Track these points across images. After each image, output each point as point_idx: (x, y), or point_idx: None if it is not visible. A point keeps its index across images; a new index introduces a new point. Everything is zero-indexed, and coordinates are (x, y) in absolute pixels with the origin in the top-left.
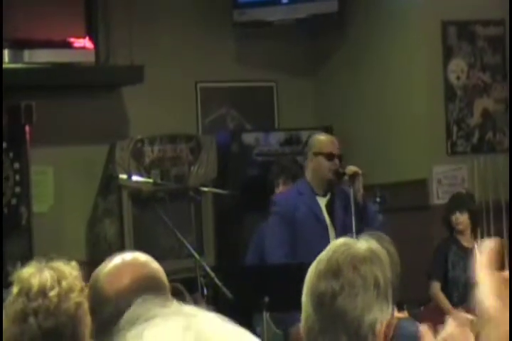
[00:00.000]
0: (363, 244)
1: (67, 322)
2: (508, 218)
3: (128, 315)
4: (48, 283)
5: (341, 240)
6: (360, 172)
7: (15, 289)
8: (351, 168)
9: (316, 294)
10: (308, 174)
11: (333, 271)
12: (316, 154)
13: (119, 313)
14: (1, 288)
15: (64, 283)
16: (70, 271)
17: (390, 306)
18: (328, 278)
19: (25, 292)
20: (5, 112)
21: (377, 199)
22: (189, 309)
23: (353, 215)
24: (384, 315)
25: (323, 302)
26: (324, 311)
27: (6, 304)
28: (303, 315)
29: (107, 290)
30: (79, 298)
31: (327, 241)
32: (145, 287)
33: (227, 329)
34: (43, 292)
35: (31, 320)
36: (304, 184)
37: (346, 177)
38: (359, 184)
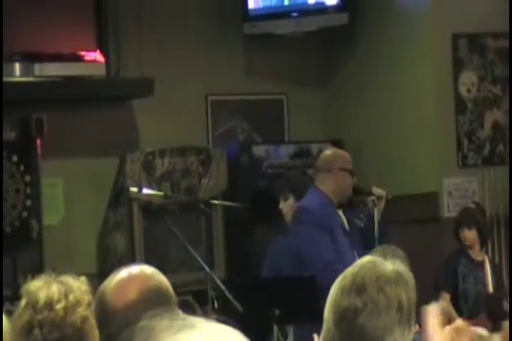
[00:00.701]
0: (390, 264)
1: (73, 335)
2: None
3: (138, 328)
4: (55, 296)
5: (369, 258)
6: (385, 195)
7: (23, 302)
8: (379, 191)
9: (339, 309)
10: (329, 187)
11: (358, 287)
12: (342, 169)
13: (128, 326)
14: (1, 294)
15: (71, 297)
16: (79, 285)
17: (412, 329)
18: (352, 294)
19: (32, 304)
20: (16, 125)
21: (366, 212)
22: (200, 321)
23: (376, 234)
24: (405, 338)
25: (345, 317)
26: (345, 326)
27: (14, 316)
28: (324, 328)
29: (115, 303)
30: (86, 311)
31: (353, 255)
32: (152, 299)
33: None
34: (49, 305)
35: (36, 331)
36: (322, 196)
37: (373, 198)
38: (382, 205)
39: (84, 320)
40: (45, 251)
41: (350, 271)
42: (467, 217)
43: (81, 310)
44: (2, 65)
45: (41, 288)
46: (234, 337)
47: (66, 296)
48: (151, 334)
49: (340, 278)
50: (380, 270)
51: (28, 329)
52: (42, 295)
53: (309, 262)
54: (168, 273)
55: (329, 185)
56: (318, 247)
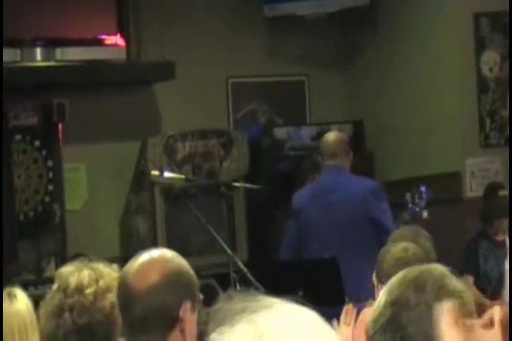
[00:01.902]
0: (453, 279)
1: (102, 321)
2: None
3: (213, 311)
4: (86, 282)
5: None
6: None
7: (54, 286)
8: None
9: (391, 297)
10: (348, 169)
11: (417, 282)
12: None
13: (152, 309)
14: (1, 287)
15: (101, 283)
16: (110, 271)
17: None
18: (412, 288)
19: (63, 289)
20: (37, 110)
21: (424, 195)
22: (277, 302)
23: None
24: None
25: (395, 309)
26: (390, 316)
27: (45, 299)
28: (374, 309)
29: (137, 287)
30: (116, 297)
31: None
32: (174, 282)
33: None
34: (79, 289)
35: (66, 315)
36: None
37: None
38: None
39: (114, 305)
40: (67, 235)
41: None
42: (507, 208)
43: (111, 296)
44: (2, 53)
45: (72, 273)
46: (311, 318)
47: (97, 282)
48: (227, 316)
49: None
50: (445, 279)
51: (58, 312)
52: (73, 280)
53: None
54: (190, 257)
55: (348, 168)
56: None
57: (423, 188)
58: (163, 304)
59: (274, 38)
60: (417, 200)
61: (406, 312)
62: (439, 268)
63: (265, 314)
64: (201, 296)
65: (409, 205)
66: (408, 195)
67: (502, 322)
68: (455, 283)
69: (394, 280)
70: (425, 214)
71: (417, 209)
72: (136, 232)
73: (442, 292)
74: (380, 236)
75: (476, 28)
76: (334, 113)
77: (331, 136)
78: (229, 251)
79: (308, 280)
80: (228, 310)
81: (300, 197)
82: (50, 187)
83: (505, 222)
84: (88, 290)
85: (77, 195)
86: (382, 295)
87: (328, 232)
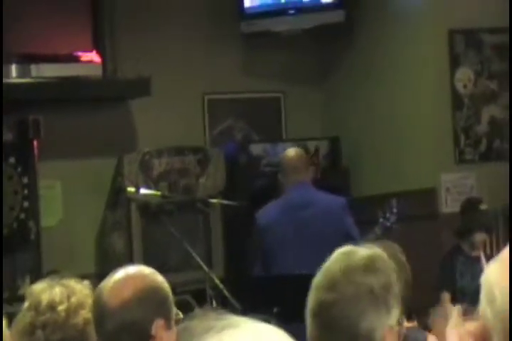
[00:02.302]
0: (362, 251)
1: (75, 337)
2: None
3: (183, 328)
4: (57, 298)
5: (343, 249)
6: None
7: (26, 303)
8: None
9: (313, 304)
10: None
11: (328, 283)
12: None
13: (124, 325)
14: (1, 295)
15: (73, 299)
16: (82, 288)
17: (393, 311)
18: (324, 289)
19: (35, 306)
20: (12, 127)
21: (394, 210)
22: (240, 320)
23: None
24: (383, 320)
25: (318, 313)
26: (319, 321)
27: (17, 318)
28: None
29: (110, 302)
30: (88, 314)
31: None
32: (148, 299)
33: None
34: (51, 306)
35: (39, 332)
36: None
37: None
38: None
39: (87, 322)
40: (43, 252)
41: (323, 265)
42: (486, 222)
43: (84, 313)
44: (2, 66)
45: (44, 290)
46: (279, 336)
47: (69, 298)
48: (194, 336)
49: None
50: (349, 261)
51: (30, 330)
52: (44, 297)
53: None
54: (167, 273)
55: (310, 182)
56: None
57: (394, 203)
58: (135, 320)
59: (251, 54)
60: (388, 215)
61: (330, 311)
62: (341, 253)
63: (232, 333)
64: (180, 315)
65: (380, 220)
66: (379, 210)
67: (476, 335)
68: (359, 254)
69: (310, 289)
70: (396, 228)
71: (388, 224)
72: (113, 249)
73: (350, 271)
74: None
75: (450, 44)
76: (310, 129)
77: (292, 152)
78: (205, 267)
79: (284, 296)
80: (195, 329)
81: (268, 213)
82: (26, 204)
83: (485, 236)
84: (60, 307)
85: (52, 211)
86: (307, 307)
87: (301, 248)
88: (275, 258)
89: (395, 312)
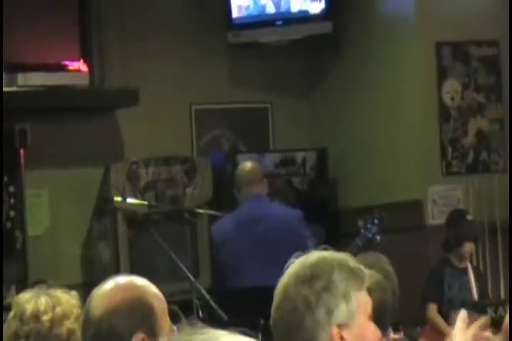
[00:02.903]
0: (304, 260)
1: None
2: (502, 238)
3: None
4: (42, 308)
5: (292, 262)
6: None
7: (11, 313)
8: None
9: (272, 326)
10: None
11: (274, 300)
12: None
13: (100, 334)
14: (1, 297)
15: (58, 309)
16: (68, 298)
17: (339, 308)
18: (274, 309)
19: (20, 315)
20: None
21: (375, 221)
22: (218, 334)
23: None
24: (325, 323)
25: (275, 333)
26: (279, 332)
27: (4, 327)
28: None
29: (94, 311)
30: (73, 325)
31: None
32: (130, 310)
33: None
34: (36, 316)
35: None
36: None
37: None
38: None
39: (71, 332)
40: (29, 261)
41: None
42: (474, 231)
43: (68, 323)
44: (2, 72)
45: (30, 299)
46: None
47: (53, 308)
48: None
49: None
50: (287, 275)
51: (14, 340)
52: (29, 307)
53: None
54: (153, 283)
55: (265, 194)
56: None
57: (376, 214)
58: (113, 331)
59: (238, 64)
60: (369, 226)
61: (279, 324)
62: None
63: None
64: (174, 327)
65: (362, 231)
66: (360, 221)
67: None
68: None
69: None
70: (377, 239)
71: (370, 235)
72: (99, 259)
73: (284, 285)
74: None
75: (438, 57)
76: (298, 140)
77: (246, 165)
78: (192, 277)
79: (271, 307)
80: None
81: (222, 228)
82: (12, 213)
83: (473, 246)
84: (44, 317)
85: (39, 220)
86: None
87: (256, 262)
88: (231, 273)
89: (342, 309)
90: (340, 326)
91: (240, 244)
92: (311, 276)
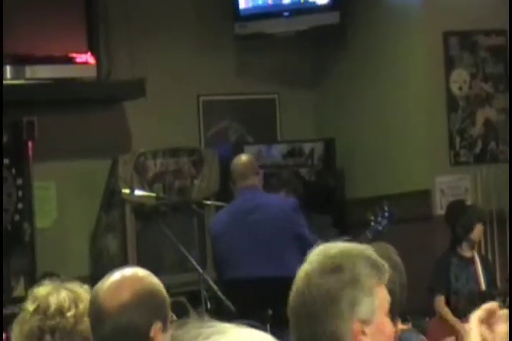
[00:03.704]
0: (330, 250)
1: None
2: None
3: (171, 337)
4: (66, 304)
5: (317, 249)
6: None
7: (30, 306)
8: None
9: (290, 312)
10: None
11: (295, 287)
12: None
13: (122, 328)
14: (1, 295)
15: (81, 306)
16: (85, 294)
17: (362, 304)
18: (292, 295)
19: (43, 310)
20: (7, 128)
21: (386, 214)
22: (226, 327)
23: None
24: (347, 318)
25: (291, 318)
26: (293, 327)
27: (19, 320)
28: None
29: (108, 305)
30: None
31: None
32: (146, 301)
33: None
34: (60, 311)
35: (48, 337)
36: None
37: None
38: None
39: (90, 330)
40: (37, 254)
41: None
42: (481, 213)
43: (87, 320)
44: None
45: (51, 293)
46: None
47: (76, 305)
48: None
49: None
50: (313, 262)
51: (38, 334)
52: (52, 301)
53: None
54: (161, 275)
55: (261, 186)
56: None
57: (386, 207)
58: (133, 323)
59: (245, 55)
60: (379, 219)
61: (302, 317)
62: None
63: (219, 338)
64: (174, 317)
65: (372, 224)
66: (370, 214)
67: None
68: (314, 259)
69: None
70: (387, 231)
71: (380, 228)
72: (107, 251)
73: (310, 274)
74: (303, 250)
75: (445, 46)
76: (305, 131)
77: (241, 158)
78: (199, 268)
79: (278, 298)
80: (181, 337)
81: (218, 221)
82: (20, 206)
83: (481, 228)
84: (69, 313)
85: (47, 212)
86: None
87: (254, 252)
88: (230, 264)
89: (365, 304)
90: (362, 321)
91: (237, 234)
92: (336, 267)
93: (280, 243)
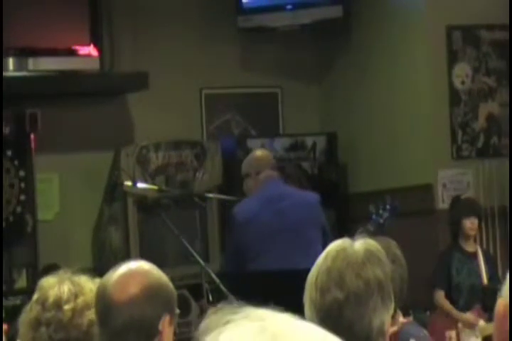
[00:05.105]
0: (359, 245)
1: (78, 338)
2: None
3: (201, 326)
4: (65, 297)
5: (337, 244)
6: None
7: (35, 296)
8: None
9: (322, 307)
10: None
11: (336, 281)
12: None
13: (133, 321)
14: (1, 293)
15: (81, 299)
16: (91, 287)
17: (392, 301)
18: (332, 290)
19: (42, 301)
20: (10, 121)
21: (387, 207)
22: (262, 312)
23: None
24: (389, 312)
25: (330, 315)
26: (332, 324)
27: (26, 308)
28: None
29: (117, 298)
30: (94, 315)
31: None
32: (155, 295)
33: (306, 329)
34: (58, 304)
35: (43, 329)
36: None
37: None
38: None
39: (92, 323)
40: (39, 246)
41: (322, 263)
42: (471, 207)
43: (89, 314)
44: (2, 59)
45: (53, 286)
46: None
47: (76, 298)
48: (213, 328)
49: (314, 272)
50: (349, 256)
51: (35, 325)
52: (52, 294)
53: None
54: (163, 267)
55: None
56: None
57: (387, 199)
58: (144, 316)
59: (248, 49)
60: (381, 211)
61: (343, 311)
62: (336, 250)
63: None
64: (178, 310)
65: (373, 216)
66: (372, 207)
67: None
68: (356, 247)
69: (311, 291)
70: (389, 224)
71: (381, 221)
72: (109, 243)
73: (355, 266)
74: (325, 243)
75: (448, 40)
76: (308, 124)
77: (258, 152)
78: (202, 261)
79: (280, 291)
80: (215, 322)
81: (246, 208)
82: (22, 197)
83: (473, 221)
84: (66, 307)
85: (49, 205)
86: (308, 310)
87: (283, 238)
88: (258, 252)
89: (391, 301)
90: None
91: (265, 222)
92: (376, 260)
93: (307, 232)
